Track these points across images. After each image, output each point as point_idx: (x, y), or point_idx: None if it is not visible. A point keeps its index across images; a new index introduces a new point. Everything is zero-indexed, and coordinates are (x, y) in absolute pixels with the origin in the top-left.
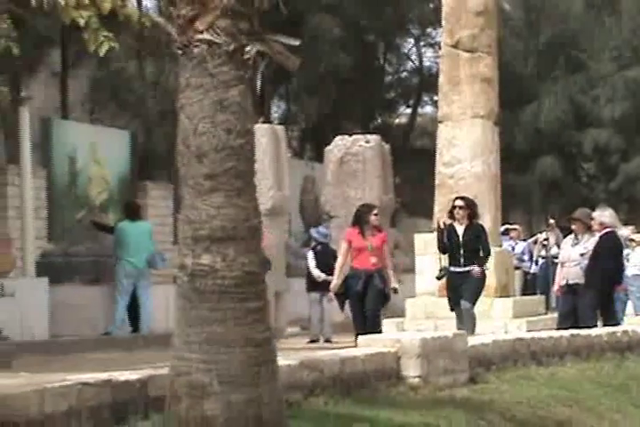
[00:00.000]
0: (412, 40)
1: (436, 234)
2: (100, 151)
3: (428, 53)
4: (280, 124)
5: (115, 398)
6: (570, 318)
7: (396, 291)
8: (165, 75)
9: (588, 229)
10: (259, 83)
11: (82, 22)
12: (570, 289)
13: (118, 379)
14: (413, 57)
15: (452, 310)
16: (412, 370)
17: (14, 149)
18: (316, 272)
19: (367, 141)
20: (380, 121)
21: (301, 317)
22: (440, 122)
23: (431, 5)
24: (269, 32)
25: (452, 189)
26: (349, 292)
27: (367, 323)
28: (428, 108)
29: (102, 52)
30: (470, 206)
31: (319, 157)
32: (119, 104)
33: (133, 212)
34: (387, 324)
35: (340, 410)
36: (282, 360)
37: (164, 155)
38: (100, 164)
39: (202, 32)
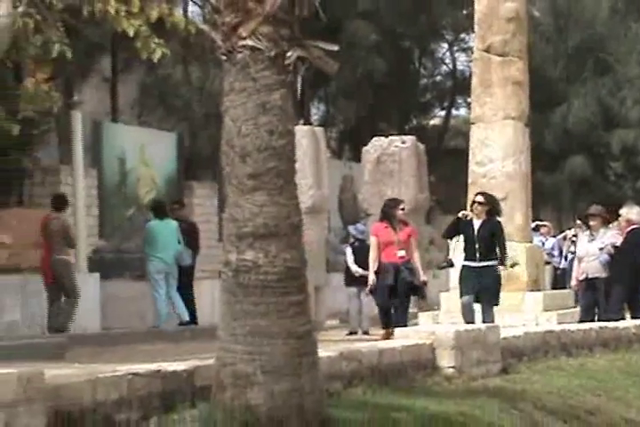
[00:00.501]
0: (445, 45)
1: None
2: (148, 153)
3: (462, 58)
4: (319, 125)
5: (163, 387)
6: (591, 312)
7: (425, 283)
8: (210, 79)
9: (607, 224)
10: (299, 86)
11: (132, 32)
12: (590, 283)
13: (167, 369)
14: (447, 61)
15: (461, 296)
16: (446, 361)
17: (67, 151)
18: (354, 267)
19: (403, 142)
20: (415, 123)
21: (340, 310)
22: (473, 123)
23: (464, 12)
24: (309, 38)
25: (485, 187)
26: (379, 285)
27: (396, 315)
28: (462, 110)
29: (155, 58)
30: (490, 203)
31: (357, 157)
32: (166, 108)
33: (162, 211)
34: (422, 317)
35: (378, 399)
36: (322, 352)
37: (208, 156)
38: (148, 164)
39: (245, 38)
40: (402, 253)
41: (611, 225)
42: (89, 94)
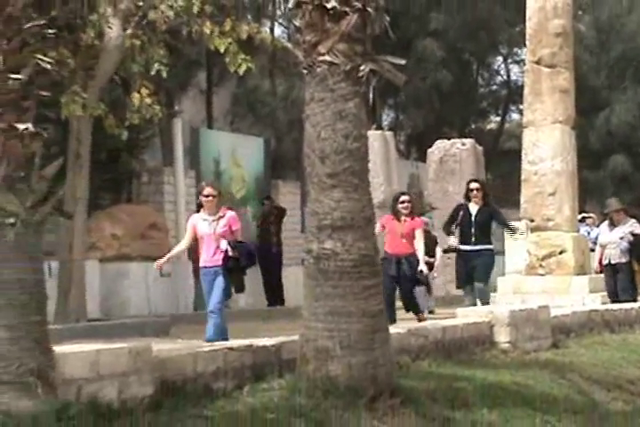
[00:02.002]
0: (501, 58)
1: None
2: (239, 155)
3: (515, 69)
4: (389, 130)
5: (254, 360)
6: (615, 293)
7: (421, 272)
8: (293, 90)
9: (625, 214)
10: (371, 96)
11: (222, 49)
12: (613, 268)
13: (257, 344)
14: (502, 72)
15: (458, 287)
16: (502, 337)
17: (169, 154)
18: (420, 255)
19: (463, 144)
20: (473, 127)
21: None
22: (525, 127)
23: (517, 29)
24: (380, 54)
25: (536, 183)
26: (384, 274)
27: (406, 304)
28: (515, 116)
29: (241, 71)
30: (484, 188)
31: (422, 157)
32: (255, 116)
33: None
34: None
35: (442, 371)
36: (393, 329)
37: (292, 157)
38: (239, 165)
39: (324, 55)
40: (403, 245)
41: None
42: (188, 105)
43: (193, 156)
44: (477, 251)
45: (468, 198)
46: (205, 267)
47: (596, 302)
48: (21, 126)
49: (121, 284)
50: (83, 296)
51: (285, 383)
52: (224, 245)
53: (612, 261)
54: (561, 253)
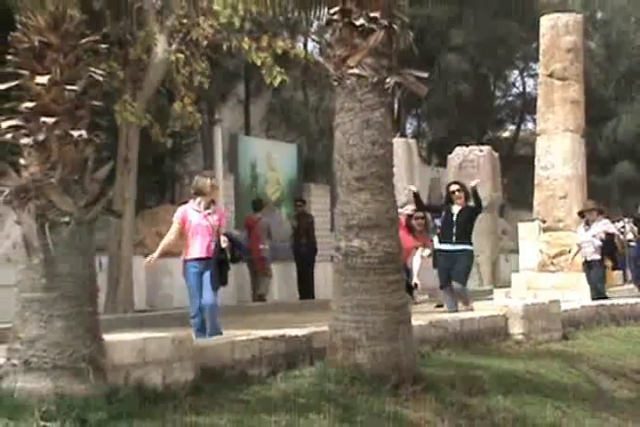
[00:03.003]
0: (517, 72)
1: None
2: (274, 160)
3: (530, 82)
4: (412, 137)
5: (287, 349)
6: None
7: (416, 286)
8: (324, 101)
9: (600, 215)
10: (396, 106)
11: (259, 62)
12: (588, 265)
13: (290, 334)
14: (518, 85)
15: (441, 288)
16: (516, 329)
17: (209, 159)
18: None
19: (480, 151)
20: (490, 135)
21: (430, 287)
22: (538, 135)
23: (533, 45)
24: (405, 67)
25: (548, 187)
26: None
27: None
28: (529, 125)
29: (276, 83)
30: (465, 190)
31: (443, 163)
32: (289, 124)
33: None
34: (496, 293)
35: (460, 360)
36: (415, 321)
37: (323, 162)
38: (274, 169)
39: (352, 68)
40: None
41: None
42: (227, 113)
43: (231, 160)
44: (457, 251)
45: (450, 200)
46: (198, 259)
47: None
48: (76, 133)
49: (165, 278)
50: (130, 289)
51: (315, 371)
52: (223, 238)
53: (588, 258)
54: (570, 251)
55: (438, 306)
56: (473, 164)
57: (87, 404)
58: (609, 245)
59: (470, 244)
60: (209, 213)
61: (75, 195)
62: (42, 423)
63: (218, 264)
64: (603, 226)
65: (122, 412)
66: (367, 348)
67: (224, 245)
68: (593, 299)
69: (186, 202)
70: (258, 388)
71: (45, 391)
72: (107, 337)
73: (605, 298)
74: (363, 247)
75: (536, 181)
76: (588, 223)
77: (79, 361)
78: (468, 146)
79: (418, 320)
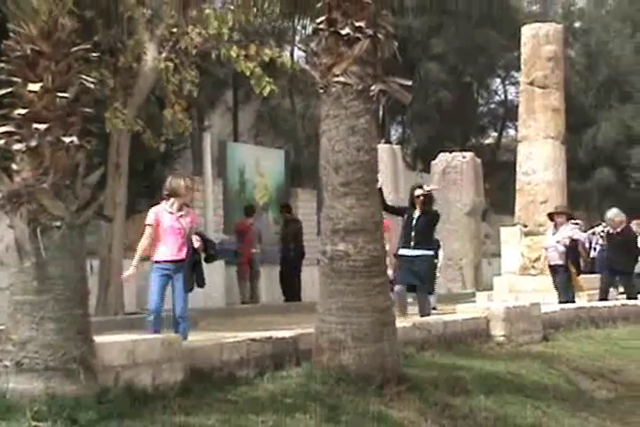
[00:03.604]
0: (499, 80)
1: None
2: (262, 166)
3: (511, 90)
4: (397, 144)
5: (274, 350)
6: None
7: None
8: (311, 108)
9: (569, 220)
10: (381, 113)
11: (248, 72)
12: (552, 269)
13: (277, 336)
14: (500, 93)
15: (392, 290)
16: (498, 331)
17: (199, 164)
18: None
19: (464, 157)
20: (473, 141)
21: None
22: (519, 142)
23: (515, 53)
24: (389, 75)
25: (529, 192)
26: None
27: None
28: (511, 131)
29: (265, 93)
30: (427, 195)
31: (427, 168)
32: (277, 130)
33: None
34: (479, 295)
35: (444, 361)
36: (399, 323)
37: (309, 168)
38: (262, 175)
39: (338, 76)
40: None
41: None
42: (216, 120)
43: (220, 166)
44: (416, 256)
45: (413, 205)
46: (167, 261)
47: (583, 299)
48: (67, 139)
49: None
50: (120, 292)
51: (302, 371)
52: (195, 237)
53: (552, 263)
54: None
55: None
56: (456, 169)
57: (78, 404)
58: (573, 252)
59: (430, 249)
60: (181, 216)
61: (66, 199)
62: (33, 423)
63: (192, 266)
64: (569, 231)
65: (112, 412)
66: (353, 349)
67: (196, 244)
68: (560, 303)
69: (158, 203)
70: (245, 388)
71: (37, 392)
72: (97, 339)
73: (573, 302)
74: (348, 251)
75: (518, 187)
76: (556, 226)
77: (70, 362)
78: (451, 152)
79: (402, 322)
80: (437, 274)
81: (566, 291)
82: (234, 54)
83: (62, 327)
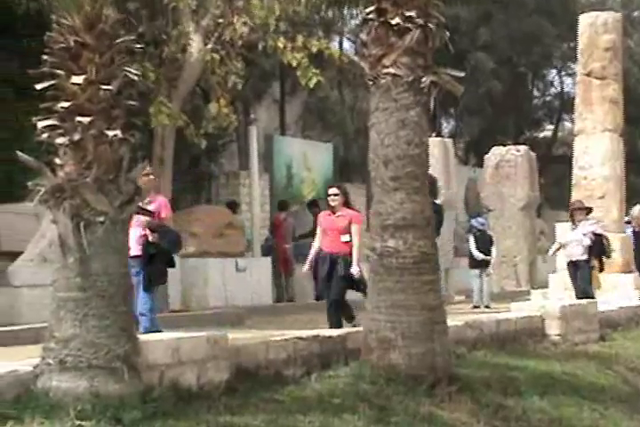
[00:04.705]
0: (555, 71)
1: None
2: (309, 160)
3: (568, 81)
4: (449, 137)
5: (321, 349)
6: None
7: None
8: (359, 100)
9: (587, 214)
10: (432, 105)
11: (295, 63)
12: (574, 265)
13: (324, 335)
14: (556, 84)
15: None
16: (553, 330)
17: (245, 159)
18: (476, 253)
19: (518, 151)
20: (528, 135)
21: (466, 288)
22: (576, 135)
23: (571, 44)
24: (440, 66)
25: (586, 187)
26: (318, 275)
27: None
28: (567, 124)
29: (312, 84)
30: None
31: (480, 163)
32: (324, 123)
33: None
34: (534, 293)
35: (496, 360)
36: (451, 321)
37: (358, 162)
38: (309, 170)
39: (388, 67)
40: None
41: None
42: (262, 113)
43: (267, 160)
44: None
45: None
46: (132, 257)
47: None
48: (111, 133)
49: (200, 278)
50: (165, 289)
51: (350, 371)
52: (148, 231)
53: (574, 259)
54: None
55: (474, 307)
56: (510, 163)
57: (122, 403)
58: (597, 246)
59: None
60: (147, 205)
61: (109, 194)
62: (77, 422)
63: (150, 257)
64: (590, 226)
65: (156, 411)
66: (402, 348)
67: (151, 238)
68: (578, 298)
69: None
70: (292, 388)
71: (80, 391)
72: (141, 337)
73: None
74: (398, 247)
75: (574, 181)
76: (574, 222)
77: (114, 360)
78: (505, 146)
79: (454, 321)
80: (490, 271)
81: (589, 287)
82: (280, 45)
83: (106, 325)
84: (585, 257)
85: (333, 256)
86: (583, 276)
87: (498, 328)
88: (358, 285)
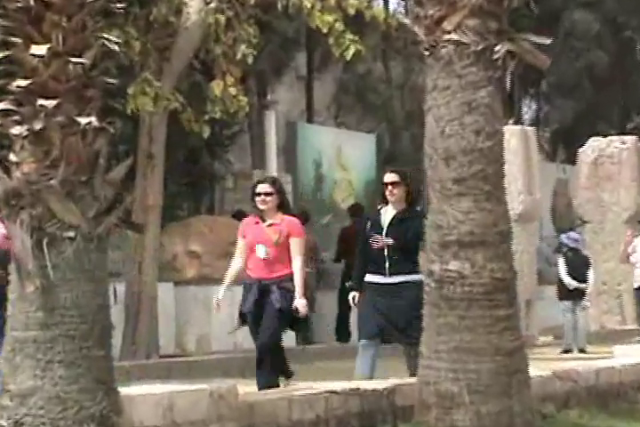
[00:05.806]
0: None
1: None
2: (345, 155)
3: None
4: (531, 125)
5: (362, 406)
6: None
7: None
8: (411, 76)
9: None
10: (508, 83)
11: (326, 29)
12: None
13: (365, 387)
14: None
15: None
16: None
17: (260, 154)
18: (567, 279)
19: (623, 142)
20: (637, 121)
21: (554, 325)
22: None
23: None
24: (519, 31)
25: None
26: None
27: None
28: None
29: (349, 55)
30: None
31: (572, 159)
32: (365, 107)
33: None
34: None
35: (596, 423)
36: (534, 370)
37: (410, 159)
38: (345, 168)
39: (449, 32)
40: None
41: None
42: (283, 93)
43: (289, 156)
44: (395, 284)
45: (383, 198)
46: None
47: None
48: (83, 120)
49: (201, 312)
50: (155, 327)
51: None
52: None
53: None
54: None
55: (565, 351)
56: (612, 160)
57: None
58: None
59: (416, 272)
60: None
61: (82, 202)
62: None
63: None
64: None
65: None
66: (469, 406)
67: None
68: None
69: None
70: None
71: None
72: (123, 390)
73: None
74: (463, 271)
75: None
76: None
77: (87, 422)
78: (605, 136)
79: (538, 370)
80: (586, 304)
81: None
82: (307, 4)
83: (76, 374)
84: None
85: (264, 283)
86: None
87: (597, 380)
88: (299, 323)
